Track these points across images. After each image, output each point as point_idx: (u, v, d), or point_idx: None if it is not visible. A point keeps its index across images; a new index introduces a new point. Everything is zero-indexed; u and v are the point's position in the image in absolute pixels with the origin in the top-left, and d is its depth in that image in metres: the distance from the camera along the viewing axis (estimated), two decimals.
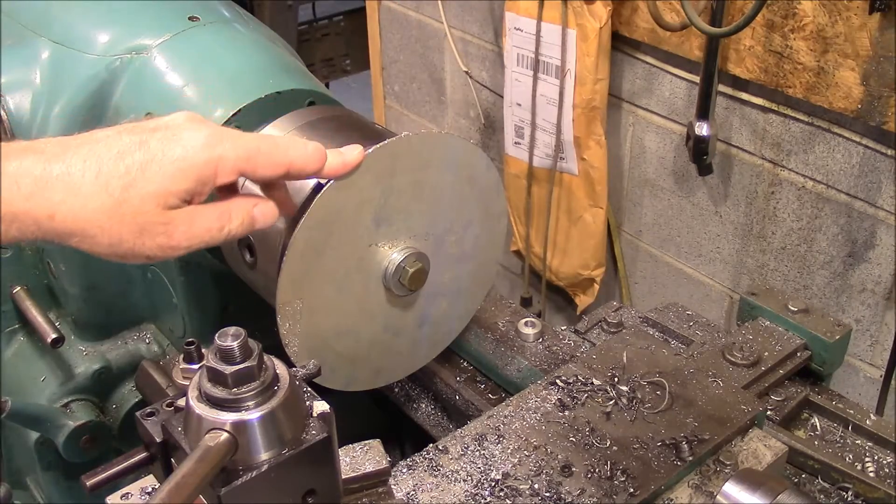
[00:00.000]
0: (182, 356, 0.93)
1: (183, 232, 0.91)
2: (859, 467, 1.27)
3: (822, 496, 1.24)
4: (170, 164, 0.89)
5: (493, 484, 1.06)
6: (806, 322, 1.41)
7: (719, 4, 1.89)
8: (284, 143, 0.98)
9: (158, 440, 0.83)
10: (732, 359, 1.35)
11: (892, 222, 1.87)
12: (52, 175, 0.85)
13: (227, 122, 1.32)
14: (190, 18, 1.47)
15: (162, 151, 0.89)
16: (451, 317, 1.43)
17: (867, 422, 1.33)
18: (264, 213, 0.98)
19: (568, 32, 2.20)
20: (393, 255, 1.26)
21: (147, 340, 1.65)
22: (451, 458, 1.11)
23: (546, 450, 1.11)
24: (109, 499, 1.07)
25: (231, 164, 0.92)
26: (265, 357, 0.81)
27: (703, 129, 2.04)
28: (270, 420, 0.78)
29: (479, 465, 1.09)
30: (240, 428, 0.77)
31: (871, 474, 1.26)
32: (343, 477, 0.92)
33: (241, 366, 0.78)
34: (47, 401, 1.54)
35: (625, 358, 1.24)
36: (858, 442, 1.32)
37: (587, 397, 1.19)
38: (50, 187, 0.85)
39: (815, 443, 1.32)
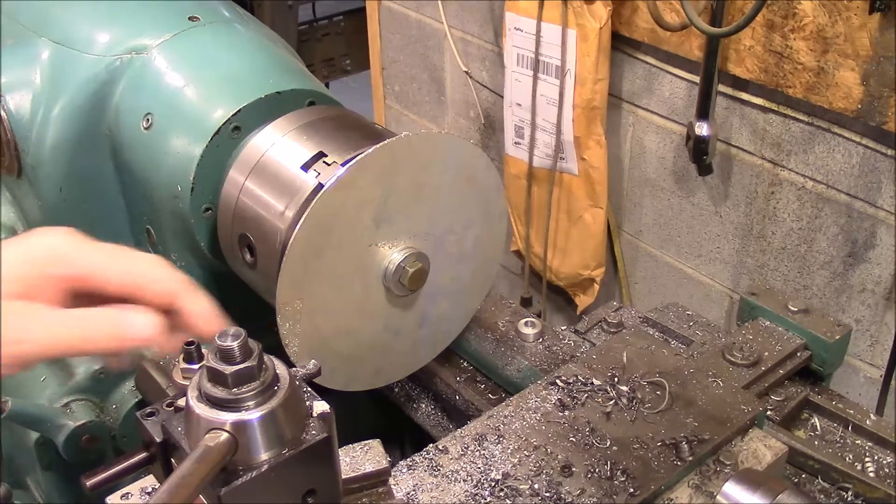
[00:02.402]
0: (182, 356, 0.93)
1: (22, 326, 0.78)
2: (859, 467, 1.27)
3: (822, 496, 1.24)
4: (8, 252, 0.80)
5: (493, 484, 1.06)
6: (806, 322, 1.41)
7: (719, 4, 1.89)
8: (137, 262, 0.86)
9: (158, 440, 0.83)
10: (732, 359, 1.35)
11: (892, 222, 1.87)
12: None
13: (227, 122, 1.32)
14: (190, 18, 1.47)
15: (4, 246, 0.82)
16: (451, 317, 1.43)
17: (867, 422, 1.33)
18: (135, 322, 0.82)
19: (568, 32, 2.20)
20: (393, 255, 1.26)
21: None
22: (451, 458, 1.11)
23: (546, 450, 1.11)
24: (109, 499, 1.07)
25: (82, 259, 0.82)
26: (265, 357, 0.81)
27: (703, 129, 2.04)
28: (270, 420, 0.78)
29: (479, 465, 1.09)
30: (240, 428, 0.77)
31: (871, 474, 1.26)
32: (343, 477, 0.92)
33: (241, 366, 0.78)
34: (47, 401, 1.54)
35: (625, 358, 1.24)
36: (858, 442, 1.32)
37: (587, 397, 1.19)
38: None
39: (815, 443, 1.32)
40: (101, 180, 1.49)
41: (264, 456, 0.79)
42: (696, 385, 1.20)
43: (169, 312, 0.86)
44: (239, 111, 1.33)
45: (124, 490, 1.08)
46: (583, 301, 2.66)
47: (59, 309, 0.81)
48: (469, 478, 1.08)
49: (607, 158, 2.33)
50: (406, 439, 1.69)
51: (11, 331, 0.78)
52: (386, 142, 1.18)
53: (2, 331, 0.77)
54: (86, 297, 0.84)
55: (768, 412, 1.30)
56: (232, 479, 0.77)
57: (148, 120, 1.39)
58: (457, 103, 2.93)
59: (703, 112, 2.03)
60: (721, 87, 2.04)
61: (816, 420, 1.37)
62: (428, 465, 1.10)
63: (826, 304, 2.07)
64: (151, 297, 0.85)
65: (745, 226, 2.18)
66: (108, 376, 1.59)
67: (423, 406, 1.54)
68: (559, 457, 1.10)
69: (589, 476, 1.07)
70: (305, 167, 1.26)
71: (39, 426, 1.53)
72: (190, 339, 0.92)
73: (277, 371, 0.82)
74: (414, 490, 1.07)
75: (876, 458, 1.29)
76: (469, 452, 1.11)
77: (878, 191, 1.87)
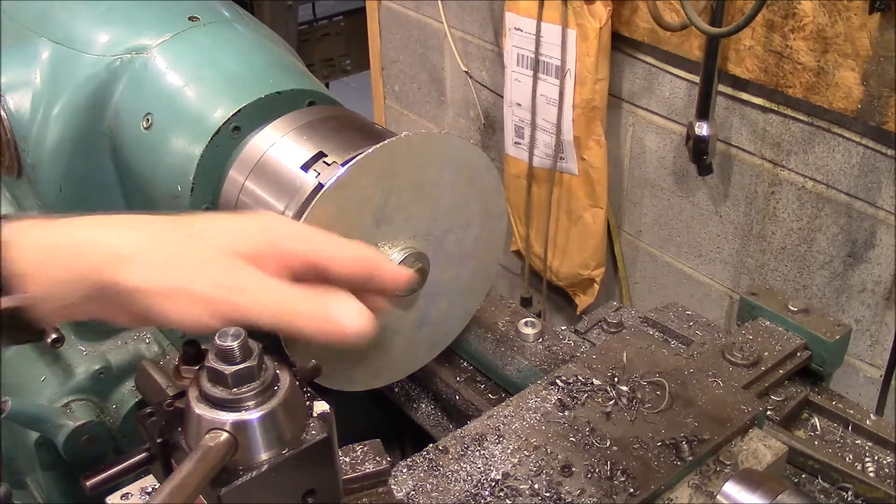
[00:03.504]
0: (182, 356, 0.93)
1: (251, 283, 0.80)
2: (859, 467, 1.27)
3: (822, 496, 1.24)
4: (240, 217, 0.87)
5: (493, 484, 1.06)
6: (806, 322, 1.41)
7: (719, 4, 1.89)
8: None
9: (158, 440, 0.83)
10: (732, 359, 1.35)
11: (892, 222, 1.87)
12: (117, 217, 0.83)
13: (227, 122, 1.32)
14: (190, 18, 1.47)
15: (238, 215, 0.88)
16: (451, 317, 1.43)
17: (867, 422, 1.33)
18: (345, 310, 0.82)
19: (568, 32, 2.20)
20: (393, 255, 1.26)
21: (147, 340, 1.65)
22: (451, 458, 1.11)
23: (546, 450, 1.11)
24: (109, 499, 1.07)
25: (307, 233, 0.86)
26: (265, 357, 0.81)
27: (703, 129, 2.04)
28: (270, 420, 0.78)
29: (479, 465, 1.09)
30: (240, 428, 0.77)
31: (871, 474, 1.26)
32: (343, 477, 0.92)
33: (241, 366, 0.78)
34: (47, 401, 1.54)
35: (625, 358, 1.24)
36: (858, 442, 1.32)
37: (587, 397, 1.19)
38: (114, 224, 0.82)
39: (815, 443, 1.32)
40: (101, 180, 1.49)
41: (264, 456, 0.79)
42: (696, 385, 1.20)
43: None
44: (239, 111, 1.33)
45: (124, 490, 1.08)
46: (583, 301, 2.66)
47: (280, 281, 0.82)
48: (469, 478, 1.08)
49: (607, 158, 2.33)
50: (406, 439, 1.69)
51: (231, 280, 0.80)
52: (386, 142, 1.18)
53: (223, 279, 0.80)
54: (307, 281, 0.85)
55: (768, 412, 1.30)
56: (232, 479, 0.77)
57: (148, 120, 1.39)
58: (457, 103, 2.93)
59: (703, 112, 2.03)
60: (721, 87, 2.04)
61: (816, 420, 1.37)
62: (428, 465, 1.10)
63: (826, 304, 2.07)
64: (377, 285, 0.88)
65: (745, 226, 2.18)
66: (108, 376, 1.59)
67: (423, 406, 1.54)
68: (559, 457, 1.10)
69: (589, 476, 1.07)
70: (305, 167, 1.26)
71: (39, 426, 1.53)
72: (190, 339, 0.92)
73: (277, 371, 0.82)
74: (414, 490, 1.07)
75: (876, 458, 1.29)
76: (469, 452, 1.11)
77: (878, 191, 1.87)
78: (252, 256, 0.82)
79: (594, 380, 1.21)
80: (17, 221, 0.82)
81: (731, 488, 1.05)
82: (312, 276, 0.85)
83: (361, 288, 0.87)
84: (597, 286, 2.58)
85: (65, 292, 0.81)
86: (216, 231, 0.83)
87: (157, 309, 0.81)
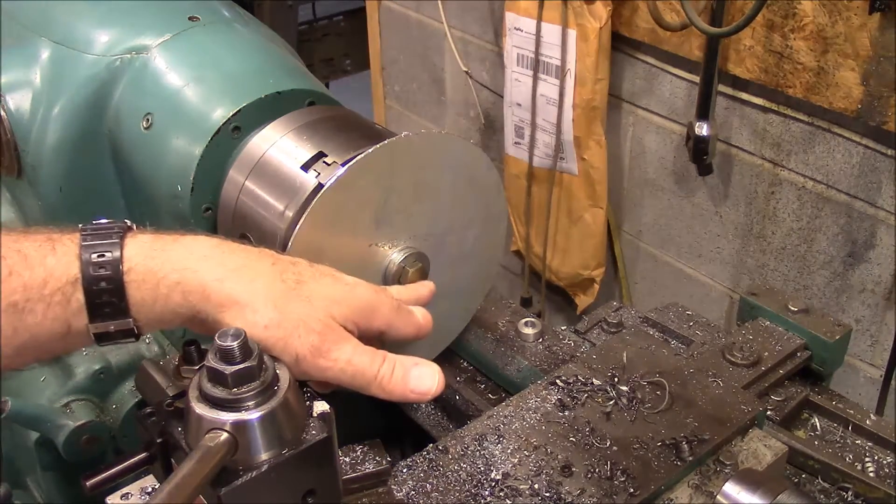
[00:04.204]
0: (182, 356, 0.93)
1: (337, 348, 0.88)
2: (859, 467, 1.27)
3: (822, 496, 1.24)
4: (341, 281, 0.94)
5: (493, 484, 1.06)
6: (806, 322, 1.41)
7: (719, 4, 1.89)
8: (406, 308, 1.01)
9: (158, 440, 0.83)
10: (732, 359, 1.35)
11: (892, 222, 1.87)
12: (225, 253, 0.89)
13: (227, 122, 1.32)
14: (190, 18, 1.47)
15: (332, 273, 0.95)
16: (451, 317, 1.43)
17: (867, 422, 1.33)
18: (421, 375, 0.94)
19: (568, 32, 2.20)
20: (393, 255, 1.26)
21: (147, 340, 1.65)
22: (451, 458, 1.10)
23: (546, 450, 1.11)
24: (109, 499, 1.07)
25: (388, 308, 0.96)
26: (265, 357, 0.81)
27: (703, 129, 2.04)
28: (270, 420, 0.78)
29: (479, 465, 1.09)
30: (240, 428, 0.77)
31: (871, 474, 1.26)
32: (343, 477, 0.92)
33: (241, 366, 0.78)
34: (47, 401, 1.54)
35: (625, 358, 1.24)
36: (858, 442, 1.32)
37: (587, 397, 1.19)
38: (224, 264, 0.88)
39: (815, 443, 1.32)
40: (101, 180, 1.49)
41: (264, 456, 0.79)
42: (696, 385, 1.20)
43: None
44: (239, 111, 1.33)
45: (124, 490, 1.08)
46: (583, 301, 2.66)
47: (363, 345, 0.92)
48: (469, 478, 1.08)
49: (607, 158, 2.33)
50: (406, 439, 1.69)
51: (323, 344, 0.87)
52: (386, 142, 1.18)
53: (317, 342, 0.87)
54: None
55: (768, 412, 1.30)
56: (232, 479, 0.77)
57: (148, 120, 1.39)
58: (457, 103, 2.93)
59: (703, 112, 2.03)
60: (721, 87, 2.04)
61: (816, 420, 1.37)
62: (428, 465, 1.10)
63: (826, 304, 2.07)
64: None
65: (745, 226, 2.18)
66: (108, 376, 1.59)
67: (423, 406, 1.54)
68: (559, 457, 1.10)
69: (589, 476, 1.07)
70: (305, 167, 1.26)
71: (39, 426, 1.53)
72: (190, 339, 0.93)
73: (277, 371, 0.82)
74: (414, 490, 1.07)
75: (876, 458, 1.29)
76: (469, 452, 1.11)
77: (878, 191, 1.87)
78: (343, 321, 0.91)
79: (594, 380, 1.21)
80: (126, 238, 0.86)
81: (731, 488, 1.05)
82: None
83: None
84: (597, 286, 2.58)
85: (168, 321, 0.87)
86: (321, 296, 0.90)
87: None
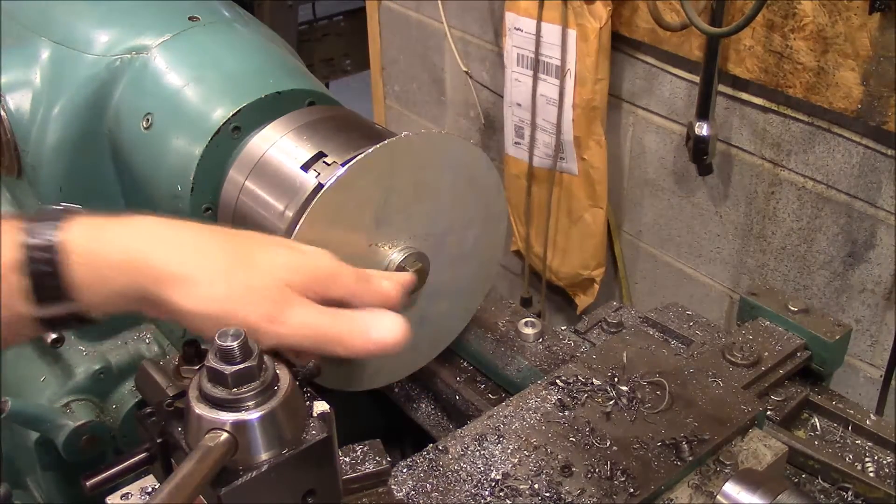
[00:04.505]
0: (182, 356, 0.93)
1: (292, 312, 0.86)
2: (859, 467, 1.27)
3: (822, 496, 1.24)
4: (295, 249, 0.92)
5: (493, 484, 1.06)
6: (806, 322, 1.41)
7: (719, 4, 1.89)
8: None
9: (158, 440, 0.83)
10: (732, 359, 1.35)
11: (892, 222, 1.87)
12: (170, 230, 0.87)
13: (227, 122, 1.32)
14: (190, 18, 1.47)
15: (288, 244, 0.94)
16: (451, 317, 1.43)
17: (867, 422, 1.33)
18: (380, 327, 0.92)
19: (568, 32, 2.20)
20: (393, 255, 1.26)
21: (147, 340, 1.65)
22: (451, 458, 1.11)
23: (546, 450, 1.11)
24: (109, 499, 1.07)
25: (348, 276, 0.94)
26: (265, 357, 0.81)
27: (703, 129, 2.04)
28: (270, 420, 0.78)
29: (479, 465, 1.09)
30: (240, 428, 0.77)
31: (871, 474, 1.26)
32: (343, 477, 0.92)
33: (241, 366, 0.78)
34: (47, 401, 1.54)
35: (625, 358, 1.24)
36: (858, 442, 1.32)
37: (587, 397, 1.19)
38: (168, 241, 0.86)
39: (815, 443, 1.32)
40: (101, 180, 1.49)
41: (264, 456, 0.79)
42: (696, 385, 1.20)
43: None
44: (239, 111, 1.33)
45: (124, 490, 1.08)
46: (583, 301, 2.66)
47: (320, 306, 0.89)
48: (469, 478, 1.08)
49: (607, 158, 2.33)
50: (406, 439, 1.69)
51: (278, 312, 0.85)
52: (386, 142, 1.18)
53: (270, 310, 0.85)
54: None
55: (768, 412, 1.30)
56: (232, 479, 0.77)
57: (148, 120, 1.39)
58: (457, 103, 2.93)
59: (703, 112, 2.03)
60: (721, 87, 2.04)
61: (816, 420, 1.37)
62: (428, 465, 1.10)
63: (826, 304, 2.07)
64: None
65: (745, 226, 2.18)
66: (108, 376, 1.59)
67: (423, 406, 1.54)
68: (559, 457, 1.10)
69: (589, 476, 1.07)
70: (305, 167, 1.26)
71: (39, 426, 1.53)
72: (190, 339, 0.92)
73: (277, 371, 0.82)
74: (414, 490, 1.07)
75: (876, 458, 1.29)
76: (469, 452, 1.11)
77: (878, 191, 1.87)
78: (300, 288, 0.89)
79: (594, 380, 1.21)
80: (69, 221, 0.85)
81: (731, 488, 1.05)
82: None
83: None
84: (597, 286, 2.58)
85: (116, 303, 0.86)
86: (271, 265, 0.89)
87: (203, 328, 0.86)
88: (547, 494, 1.04)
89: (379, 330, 0.91)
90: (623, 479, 1.06)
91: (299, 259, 0.92)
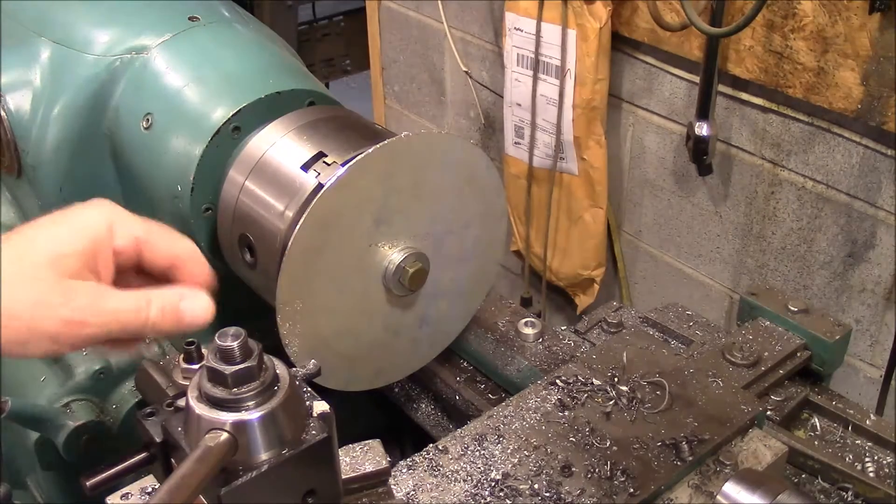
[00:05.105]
0: (182, 356, 0.93)
1: (88, 306, 0.78)
2: (859, 467, 1.27)
3: (822, 496, 1.24)
4: (61, 229, 0.81)
5: (493, 484, 1.06)
6: (806, 322, 1.41)
7: (719, 4, 1.89)
8: (178, 238, 0.89)
9: (158, 440, 0.83)
10: (732, 359, 1.35)
11: (892, 222, 1.87)
12: None
13: (227, 122, 1.32)
14: (190, 18, 1.47)
15: (52, 223, 0.83)
16: (451, 317, 1.43)
17: (867, 422, 1.33)
18: (193, 307, 0.84)
19: (568, 32, 2.20)
20: (393, 255, 1.26)
21: (147, 340, 1.65)
22: (451, 458, 1.11)
23: (546, 450, 1.11)
24: (109, 499, 1.07)
25: (128, 227, 0.84)
26: (265, 357, 0.81)
27: (703, 129, 2.04)
28: (270, 420, 0.78)
29: (479, 465, 1.09)
30: (240, 428, 0.77)
31: (871, 474, 1.26)
32: (343, 477, 0.92)
33: (241, 366, 0.78)
34: (47, 401, 1.54)
35: (625, 358, 1.24)
36: (858, 442, 1.32)
37: (587, 397, 1.19)
38: None
39: (815, 443, 1.32)
40: (101, 180, 1.49)
41: (264, 456, 0.79)
42: (696, 385, 1.20)
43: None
44: (239, 111, 1.33)
45: (124, 490, 1.08)
46: (583, 301, 2.66)
47: (122, 290, 0.82)
48: (469, 478, 1.08)
49: (607, 158, 2.33)
50: (406, 439, 1.69)
51: (77, 311, 0.78)
52: (386, 142, 1.19)
53: (68, 312, 0.77)
54: (127, 272, 0.86)
55: (768, 412, 1.30)
56: (232, 479, 0.77)
57: (148, 120, 1.39)
58: (457, 103, 2.93)
59: (703, 112, 2.03)
60: (721, 87, 2.04)
61: (816, 420, 1.37)
62: (428, 465, 1.10)
63: (826, 304, 2.07)
64: (188, 275, 0.87)
65: (745, 226, 2.18)
66: (108, 376, 1.59)
67: (423, 406, 1.54)
68: (559, 457, 1.10)
69: (589, 476, 1.07)
70: (305, 167, 1.26)
71: (39, 426, 1.53)
72: (190, 339, 0.92)
73: (277, 371, 0.82)
74: (414, 490, 1.07)
75: (876, 458, 1.29)
76: (469, 452, 1.11)
77: (878, 191, 1.87)
78: (85, 267, 0.81)
79: (594, 380, 1.21)
80: None
81: (731, 488, 1.05)
82: (132, 266, 0.86)
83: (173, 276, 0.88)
84: (597, 286, 2.58)
85: None
86: (47, 259, 0.79)
87: (21, 354, 0.79)
88: (547, 494, 1.04)
89: (192, 311, 0.84)
90: (623, 479, 1.06)
91: (66, 238, 0.82)
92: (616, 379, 1.21)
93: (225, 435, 0.77)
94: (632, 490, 1.05)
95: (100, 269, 0.82)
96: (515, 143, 2.51)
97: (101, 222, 0.83)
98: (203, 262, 0.88)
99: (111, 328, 0.80)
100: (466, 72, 2.73)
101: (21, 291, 0.77)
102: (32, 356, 0.80)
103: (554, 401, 1.18)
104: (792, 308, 1.43)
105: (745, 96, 2.04)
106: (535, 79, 2.33)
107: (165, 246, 0.87)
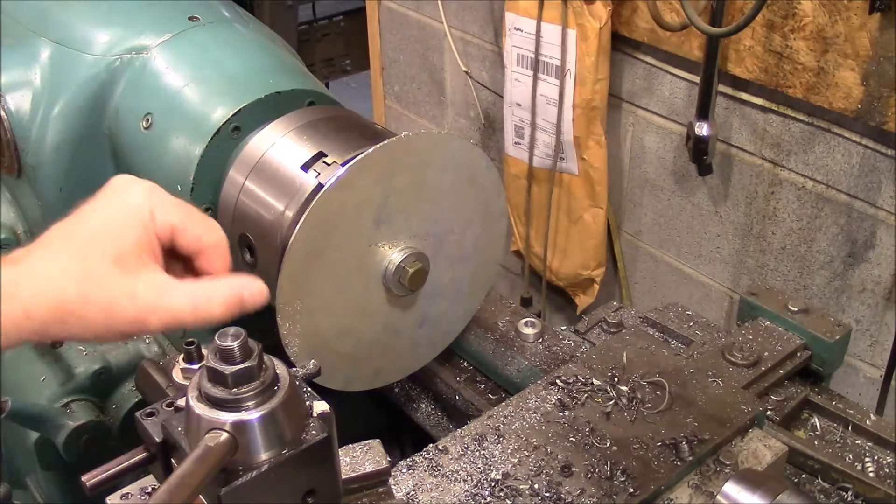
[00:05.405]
0: (182, 356, 0.93)
1: (151, 304, 0.81)
2: (859, 467, 1.27)
3: (822, 496, 1.24)
4: (114, 219, 0.85)
5: (493, 484, 1.06)
6: (806, 322, 1.41)
7: (719, 4, 1.89)
8: (209, 227, 0.90)
9: (158, 440, 0.83)
10: (732, 359, 1.35)
11: (892, 222, 1.87)
12: (20, 276, 0.80)
13: (227, 122, 1.32)
14: (190, 18, 1.47)
15: (105, 207, 0.86)
16: (451, 317, 1.43)
17: (867, 422, 1.33)
18: (254, 294, 0.86)
19: (568, 32, 2.20)
20: (393, 255, 1.26)
21: (147, 340, 1.65)
22: (451, 458, 1.11)
23: (546, 450, 1.11)
24: (109, 499, 1.07)
25: (166, 214, 0.86)
26: (265, 357, 0.81)
27: (703, 129, 2.04)
28: (270, 420, 0.78)
29: (479, 465, 1.09)
30: (240, 428, 0.77)
31: (871, 474, 1.26)
32: (343, 477, 0.92)
33: (241, 366, 0.78)
34: (47, 401, 1.54)
35: (625, 358, 1.24)
36: (858, 442, 1.32)
37: (587, 397, 1.19)
38: (20, 288, 0.79)
39: (815, 443, 1.32)
40: (101, 180, 1.47)
41: (264, 456, 0.79)
42: (696, 385, 1.20)
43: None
44: (239, 111, 1.33)
45: (124, 490, 1.08)
46: (583, 301, 2.66)
47: (182, 281, 0.84)
48: (469, 478, 1.08)
49: (607, 158, 2.33)
50: (406, 439, 1.69)
51: (142, 311, 0.81)
52: (386, 142, 1.19)
53: (134, 311, 0.81)
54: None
55: (768, 412, 1.30)
56: (232, 479, 0.77)
57: (148, 120, 1.39)
58: (457, 103, 2.93)
59: (703, 112, 2.03)
60: (721, 87, 2.04)
61: (816, 420, 1.37)
62: (428, 465, 1.10)
63: (826, 304, 2.07)
64: (211, 264, 0.89)
65: (745, 226, 2.18)
66: (108, 376, 1.59)
67: (423, 406, 1.54)
68: (559, 457, 1.10)
69: (589, 476, 1.07)
70: (305, 167, 1.26)
71: (39, 426, 1.53)
72: (190, 339, 0.92)
73: (277, 371, 0.82)
74: (414, 490, 1.07)
75: (876, 458, 1.29)
76: (469, 452, 1.11)
77: (878, 191, 1.87)
78: (143, 250, 0.83)
79: (594, 380, 1.21)
80: None
81: (731, 488, 1.05)
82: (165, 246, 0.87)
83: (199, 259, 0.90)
84: (597, 286, 2.58)
85: (21, 339, 0.81)
86: (109, 247, 0.82)
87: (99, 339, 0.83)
88: (547, 494, 1.04)
89: (252, 297, 0.86)
90: (623, 479, 1.06)
91: (119, 224, 0.85)
92: (616, 379, 1.21)
93: (225, 435, 0.77)
94: (632, 490, 1.05)
95: (154, 249, 0.85)
96: (515, 143, 2.51)
97: (145, 207, 0.85)
98: (227, 255, 0.90)
99: (170, 325, 0.83)
100: (466, 72, 2.73)
101: (94, 295, 0.80)
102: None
103: (554, 401, 1.18)
104: (792, 308, 1.43)
105: (745, 96, 2.04)
106: (535, 79, 2.33)
107: (196, 234, 0.88)
